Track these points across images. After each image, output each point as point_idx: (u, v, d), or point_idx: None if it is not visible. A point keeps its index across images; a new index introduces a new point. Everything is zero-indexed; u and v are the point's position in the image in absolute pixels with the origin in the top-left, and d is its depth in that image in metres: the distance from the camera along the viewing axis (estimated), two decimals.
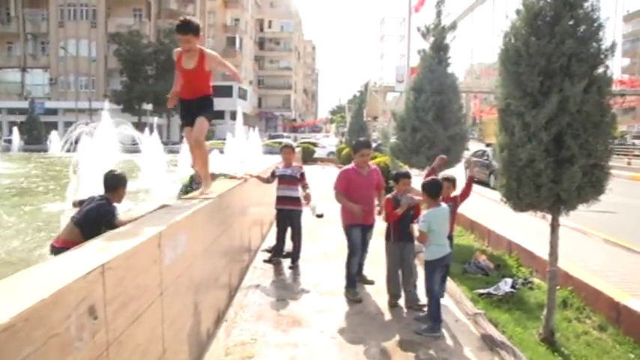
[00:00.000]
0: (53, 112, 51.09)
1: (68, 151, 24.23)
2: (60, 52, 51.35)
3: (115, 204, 4.36)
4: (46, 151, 36.56)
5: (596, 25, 3.98)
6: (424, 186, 4.73)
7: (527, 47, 3.99)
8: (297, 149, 26.34)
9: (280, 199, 6.71)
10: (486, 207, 10.50)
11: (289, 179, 6.63)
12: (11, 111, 50.15)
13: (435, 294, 4.67)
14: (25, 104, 49.26)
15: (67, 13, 52.48)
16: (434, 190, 4.66)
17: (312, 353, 4.16)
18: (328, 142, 44.44)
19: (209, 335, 4.25)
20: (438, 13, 8.48)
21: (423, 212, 4.78)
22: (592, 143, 3.88)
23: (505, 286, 5.85)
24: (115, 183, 4.41)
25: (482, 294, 5.65)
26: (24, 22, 53.09)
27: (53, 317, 1.72)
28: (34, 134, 45.90)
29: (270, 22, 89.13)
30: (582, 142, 3.88)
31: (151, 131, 21.90)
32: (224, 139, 28.69)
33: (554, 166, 3.96)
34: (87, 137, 13.17)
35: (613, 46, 3.95)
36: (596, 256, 6.71)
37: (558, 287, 5.60)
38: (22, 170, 21.75)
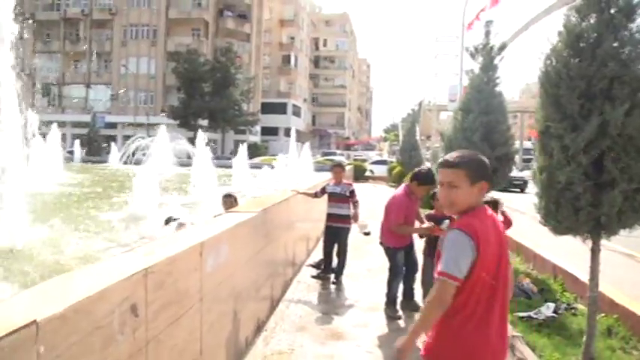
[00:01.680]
0: (113, 125, 53.97)
1: (125, 163, 25.47)
2: (121, 69, 54.28)
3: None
4: (105, 162, 38.45)
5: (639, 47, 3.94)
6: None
7: (568, 69, 3.99)
8: (349, 166, 26.64)
9: (330, 217, 6.86)
10: (534, 229, 10.24)
11: (339, 197, 6.77)
12: (75, 124, 53.30)
13: None
14: (87, 118, 52.46)
15: (130, 32, 55.82)
16: None
17: None
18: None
19: (247, 343, 4.43)
20: (487, 33, 8.47)
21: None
22: (634, 167, 3.81)
23: (547, 310, 5.73)
24: None
25: (523, 317, 5.56)
26: (90, 42, 56.74)
27: (98, 311, 1.94)
28: (95, 146, 48.59)
29: (325, 40, 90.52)
30: (623, 167, 3.81)
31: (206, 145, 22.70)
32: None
33: (594, 190, 3.91)
34: (147, 155, 13.86)
35: None
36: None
37: (603, 315, 5.48)
38: (81, 180, 22.94)
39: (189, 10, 55.46)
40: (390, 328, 5.27)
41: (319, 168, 27.60)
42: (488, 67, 8.46)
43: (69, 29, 57.79)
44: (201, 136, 18.08)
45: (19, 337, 1.52)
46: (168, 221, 5.03)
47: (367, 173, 32.57)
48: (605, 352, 4.71)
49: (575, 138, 3.91)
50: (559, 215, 4.10)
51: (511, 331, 5.07)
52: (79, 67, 58.31)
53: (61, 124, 36.02)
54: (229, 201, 6.59)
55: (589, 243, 4.33)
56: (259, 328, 4.87)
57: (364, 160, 39.07)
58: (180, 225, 4.77)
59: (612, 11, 4.00)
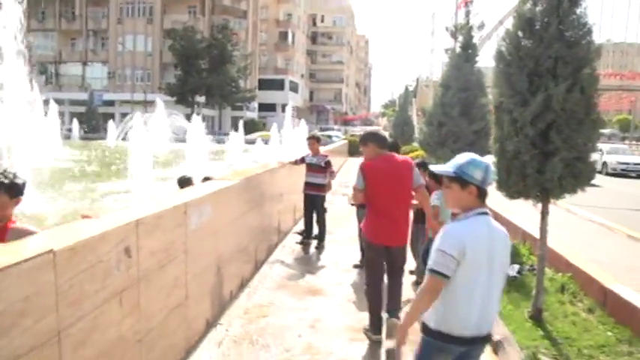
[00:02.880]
0: (111, 103, 54.08)
1: (123, 139, 25.85)
2: (118, 47, 54.24)
3: None
4: (103, 139, 38.76)
5: (584, 30, 4.36)
6: (432, 174, 5.27)
7: (518, 50, 4.43)
8: (344, 142, 26.97)
9: (307, 185, 7.36)
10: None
11: (315, 167, 7.26)
12: (73, 102, 53.40)
13: None
14: (85, 96, 52.66)
15: (126, 10, 55.44)
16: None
17: (318, 316, 4.79)
18: None
19: (232, 297, 4.96)
20: (467, 13, 8.85)
21: (436, 191, 5.32)
22: (574, 138, 4.28)
23: (512, 270, 6.25)
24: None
25: None
26: (86, 20, 56.53)
27: (100, 249, 2.43)
28: (93, 124, 48.87)
29: (322, 16, 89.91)
30: (565, 137, 4.28)
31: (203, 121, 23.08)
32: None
33: (540, 159, 4.38)
34: (138, 127, 14.31)
35: (598, 49, 4.33)
36: (612, 249, 7.02)
37: (560, 274, 6.03)
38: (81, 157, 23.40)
39: None
40: (361, 284, 5.81)
41: None
42: (468, 46, 8.86)
43: (64, 7, 57.31)
44: (196, 113, 18.40)
45: (43, 260, 2.02)
46: (182, 182, 5.51)
47: None
48: (555, 304, 5.26)
49: (522, 112, 4.36)
50: (510, 181, 4.58)
51: None
52: (75, 45, 58.05)
53: (59, 102, 36.15)
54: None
55: (539, 206, 4.83)
56: (243, 285, 5.39)
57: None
58: (206, 179, 5.32)
59: None
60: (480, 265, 2.35)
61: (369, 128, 57.60)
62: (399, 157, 4.54)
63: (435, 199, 5.21)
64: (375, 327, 4.35)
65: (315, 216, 7.46)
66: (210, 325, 4.27)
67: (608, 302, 4.96)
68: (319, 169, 7.26)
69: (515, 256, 7.13)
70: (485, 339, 2.51)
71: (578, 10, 4.40)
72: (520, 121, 4.38)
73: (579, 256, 6.20)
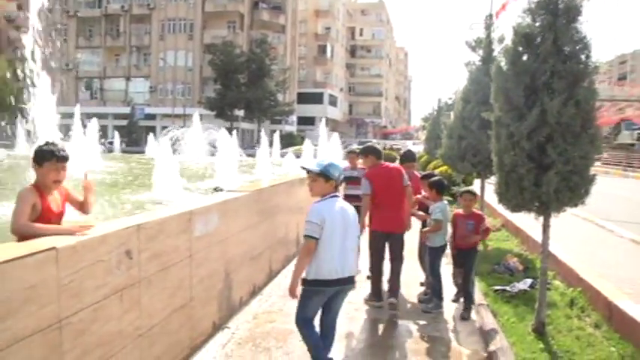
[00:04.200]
0: (152, 117, 56.15)
1: (164, 153, 26.74)
2: (160, 62, 56.37)
3: None
4: (143, 152, 40.11)
5: (580, 45, 4.46)
6: (432, 184, 5.51)
7: (515, 65, 4.56)
8: None
9: (346, 197, 7.54)
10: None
11: (355, 180, 7.44)
12: (116, 116, 55.74)
13: (439, 275, 5.42)
14: (127, 110, 55.00)
15: (168, 27, 57.79)
16: (441, 187, 5.47)
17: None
18: (417, 149, 44.36)
19: (242, 303, 5.22)
20: (487, 27, 8.94)
21: (436, 204, 5.51)
22: (570, 151, 4.35)
23: (523, 285, 6.26)
24: None
25: (497, 290, 6.14)
26: (130, 37, 59.23)
27: (100, 249, 2.75)
28: (134, 137, 50.88)
29: (361, 29, 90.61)
30: (561, 151, 4.36)
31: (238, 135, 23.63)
32: (315, 145, 29.87)
33: (537, 172, 4.47)
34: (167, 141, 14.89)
35: (596, 65, 4.41)
36: (618, 257, 7.12)
37: (571, 288, 6.02)
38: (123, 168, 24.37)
39: (224, 3, 56.77)
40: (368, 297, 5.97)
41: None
42: (487, 60, 8.94)
43: (110, 25, 60.30)
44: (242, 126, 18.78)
45: (46, 255, 2.35)
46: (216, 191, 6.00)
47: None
48: (560, 318, 5.27)
49: (519, 126, 4.48)
50: (508, 194, 4.68)
51: (481, 300, 5.70)
52: (119, 61, 60.80)
53: (103, 116, 37.88)
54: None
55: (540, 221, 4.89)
56: (255, 292, 5.65)
57: (398, 149, 39.43)
58: (217, 189, 5.82)
59: (558, 13, 4.53)
60: (335, 229, 3.50)
61: (408, 142, 57.24)
62: (391, 165, 5.93)
63: (437, 212, 5.38)
64: (376, 296, 5.63)
65: None
66: (217, 327, 4.54)
67: (613, 317, 4.95)
68: (359, 182, 7.46)
69: (532, 271, 7.13)
70: (349, 280, 3.64)
71: (575, 25, 4.50)
72: (516, 135, 4.49)
73: (590, 270, 6.17)
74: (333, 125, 62.39)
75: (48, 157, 3.21)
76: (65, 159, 3.30)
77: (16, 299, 2.21)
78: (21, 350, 2.23)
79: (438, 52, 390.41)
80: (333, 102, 72.10)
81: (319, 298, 3.67)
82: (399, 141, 71.06)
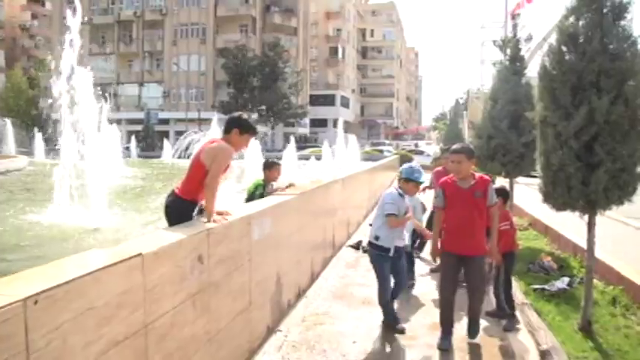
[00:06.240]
0: (166, 122, 56.43)
1: (179, 157, 26.96)
2: (173, 67, 56.75)
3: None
4: (159, 157, 40.42)
5: (627, 43, 4.46)
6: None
7: (561, 65, 4.58)
8: (396, 157, 27.09)
9: None
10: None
11: None
12: (130, 121, 56.13)
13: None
14: (141, 115, 55.49)
15: (180, 32, 57.92)
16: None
17: (369, 324, 5.03)
18: (431, 149, 44.18)
19: (290, 305, 5.28)
20: (514, 26, 8.95)
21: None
22: (619, 149, 4.36)
23: (561, 283, 6.26)
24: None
25: (536, 289, 6.13)
26: (143, 43, 59.58)
27: (178, 254, 2.82)
28: (149, 142, 51.27)
29: (372, 30, 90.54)
30: (609, 149, 4.37)
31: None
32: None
33: (585, 171, 4.49)
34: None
35: None
36: None
37: (611, 287, 6.00)
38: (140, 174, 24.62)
39: (236, 8, 57.00)
40: (410, 295, 6.01)
41: (367, 158, 28.16)
42: (516, 58, 8.94)
43: (122, 31, 60.72)
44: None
45: (135, 262, 2.42)
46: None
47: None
48: (606, 317, 5.27)
49: (566, 126, 4.50)
50: (555, 193, 4.70)
51: (523, 299, 5.70)
52: (132, 67, 61.24)
53: (117, 122, 38.22)
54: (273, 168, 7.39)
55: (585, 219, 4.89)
56: (300, 295, 5.71)
57: (412, 150, 39.36)
58: (290, 184, 5.97)
59: (604, 11, 4.54)
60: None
61: (421, 142, 57.25)
62: None
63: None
64: (445, 334, 4.54)
65: None
66: (271, 330, 4.61)
67: None
68: None
69: (567, 269, 7.12)
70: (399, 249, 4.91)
71: (622, 23, 4.50)
72: (564, 134, 4.51)
73: (631, 268, 6.14)
74: (345, 127, 62.14)
75: (252, 131, 3.78)
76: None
77: (111, 305, 2.28)
78: (114, 356, 2.30)
79: (447, 51, 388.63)
80: (345, 104, 72.08)
81: (384, 260, 4.92)
82: (411, 141, 70.89)
